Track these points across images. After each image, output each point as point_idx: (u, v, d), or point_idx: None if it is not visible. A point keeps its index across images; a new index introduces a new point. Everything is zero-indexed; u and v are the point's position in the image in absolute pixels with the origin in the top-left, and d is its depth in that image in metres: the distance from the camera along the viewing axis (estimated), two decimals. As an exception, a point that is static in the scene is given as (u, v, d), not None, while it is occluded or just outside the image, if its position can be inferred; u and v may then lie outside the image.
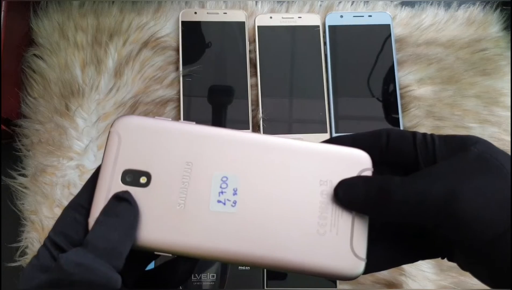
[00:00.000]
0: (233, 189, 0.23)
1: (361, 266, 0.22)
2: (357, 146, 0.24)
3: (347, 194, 0.23)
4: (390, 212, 0.21)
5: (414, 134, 0.23)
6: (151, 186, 0.23)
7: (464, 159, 0.21)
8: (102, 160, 0.24)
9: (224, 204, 0.23)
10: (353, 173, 0.23)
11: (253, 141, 0.24)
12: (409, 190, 0.21)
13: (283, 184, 0.23)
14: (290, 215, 0.23)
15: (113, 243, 0.21)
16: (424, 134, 0.23)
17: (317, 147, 0.24)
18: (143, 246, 0.23)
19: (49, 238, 0.22)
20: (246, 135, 0.24)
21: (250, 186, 0.23)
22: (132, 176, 0.23)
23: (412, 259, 0.25)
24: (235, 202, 0.23)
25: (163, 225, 0.23)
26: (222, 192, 0.23)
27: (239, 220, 0.23)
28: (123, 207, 0.23)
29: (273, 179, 0.23)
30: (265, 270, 0.45)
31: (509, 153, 0.22)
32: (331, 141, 0.25)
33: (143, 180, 0.23)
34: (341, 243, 0.22)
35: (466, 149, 0.22)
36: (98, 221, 0.22)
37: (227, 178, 0.23)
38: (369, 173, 0.23)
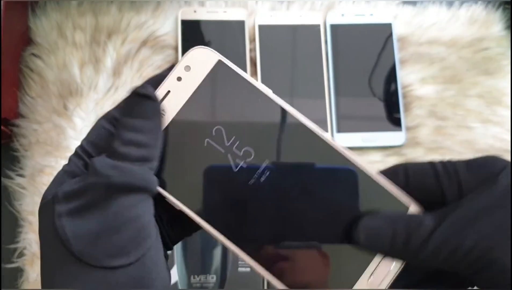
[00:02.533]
0: None
1: None
2: None
3: (370, 241, 0.21)
4: (421, 260, 0.20)
5: (434, 166, 0.21)
6: None
7: (492, 195, 0.20)
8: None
9: None
10: None
11: None
12: (441, 238, 0.19)
13: None
14: None
15: (145, 150, 0.20)
16: (444, 164, 0.21)
17: None
18: None
19: (81, 147, 0.22)
20: None
21: None
22: None
23: None
24: None
25: None
26: None
27: None
28: (147, 106, 0.21)
29: None
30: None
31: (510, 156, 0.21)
32: None
33: None
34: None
35: (494, 178, 0.20)
36: (122, 124, 0.21)
37: None
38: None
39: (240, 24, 0.51)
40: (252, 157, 0.23)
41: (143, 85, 0.22)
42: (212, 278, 0.45)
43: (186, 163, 0.22)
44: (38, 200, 0.45)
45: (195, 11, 0.51)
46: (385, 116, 0.50)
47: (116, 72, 0.49)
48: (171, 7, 0.52)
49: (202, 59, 0.23)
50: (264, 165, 0.23)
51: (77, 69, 0.49)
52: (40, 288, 0.43)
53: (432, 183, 0.21)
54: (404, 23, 0.53)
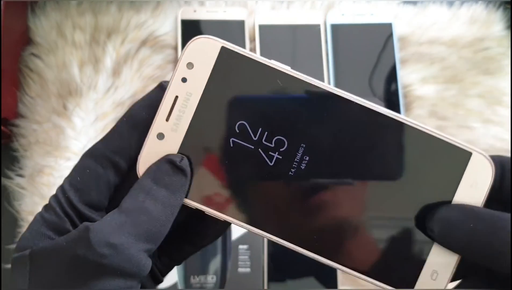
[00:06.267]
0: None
1: None
2: None
3: (445, 234, 0.19)
4: (499, 265, 0.18)
5: None
6: None
7: None
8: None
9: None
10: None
11: None
12: None
13: None
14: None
15: (156, 225, 0.18)
16: None
17: None
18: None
19: (62, 189, 0.19)
20: None
21: None
22: None
23: None
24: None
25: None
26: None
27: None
28: (176, 179, 0.19)
29: None
30: (265, 272, 0.45)
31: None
32: None
33: None
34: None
35: None
36: (144, 187, 0.19)
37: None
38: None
39: (240, 23, 0.51)
40: (286, 145, 0.20)
41: (181, 159, 0.20)
42: (212, 279, 0.44)
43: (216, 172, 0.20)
44: (37, 200, 0.45)
45: (195, 11, 0.51)
46: (386, 116, 0.50)
47: (116, 71, 0.49)
48: (171, 6, 0.52)
49: (204, 51, 0.21)
50: (301, 150, 0.20)
51: (76, 69, 0.48)
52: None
53: None
54: (404, 23, 0.53)
